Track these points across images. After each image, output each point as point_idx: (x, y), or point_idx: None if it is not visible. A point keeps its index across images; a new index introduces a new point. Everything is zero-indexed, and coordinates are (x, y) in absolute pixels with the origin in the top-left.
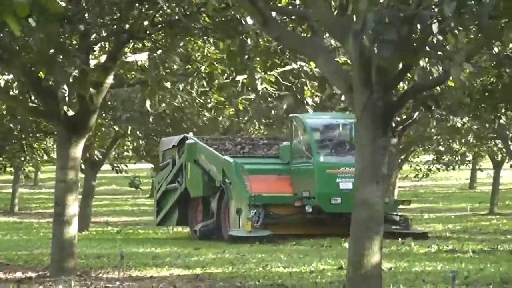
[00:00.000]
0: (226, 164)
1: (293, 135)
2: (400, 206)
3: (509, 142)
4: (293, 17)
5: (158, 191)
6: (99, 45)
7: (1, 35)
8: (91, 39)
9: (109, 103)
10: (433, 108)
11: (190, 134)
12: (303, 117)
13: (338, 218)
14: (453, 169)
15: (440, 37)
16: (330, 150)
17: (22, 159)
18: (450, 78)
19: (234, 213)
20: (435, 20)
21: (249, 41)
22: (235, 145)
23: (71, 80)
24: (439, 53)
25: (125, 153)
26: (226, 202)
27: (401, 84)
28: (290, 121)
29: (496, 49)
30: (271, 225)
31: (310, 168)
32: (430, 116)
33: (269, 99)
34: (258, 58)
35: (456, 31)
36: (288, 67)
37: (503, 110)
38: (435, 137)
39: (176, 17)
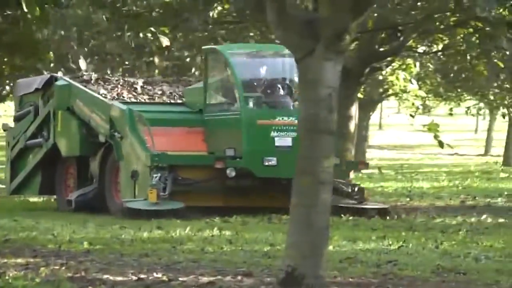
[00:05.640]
0: (116, 112)
1: (209, 75)
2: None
3: None
4: None
5: (12, 149)
6: None
7: None
8: None
9: None
10: None
11: (60, 74)
12: (224, 50)
13: (272, 185)
14: None
15: None
16: (262, 94)
17: None
18: None
19: (127, 178)
20: None
21: None
22: (125, 87)
23: None
24: None
25: None
26: (114, 163)
27: None
28: (204, 55)
29: None
30: (181, 194)
31: (235, 118)
32: None
33: None
34: None
35: None
36: None
37: None
38: None
39: None
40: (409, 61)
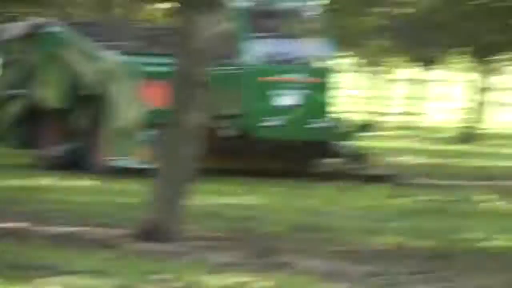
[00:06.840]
0: (108, 62)
1: None
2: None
3: None
4: None
5: None
6: None
7: None
8: None
9: None
10: None
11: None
12: None
13: (272, 148)
14: None
15: None
16: (265, 47)
17: None
18: None
19: (115, 135)
20: None
21: None
22: (119, 35)
23: None
24: None
25: None
26: (102, 118)
27: None
28: None
29: None
30: None
31: (235, 73)
32: None
33: None
34: None
35: None
36: None
37: None
38: None
39: None
40: None
